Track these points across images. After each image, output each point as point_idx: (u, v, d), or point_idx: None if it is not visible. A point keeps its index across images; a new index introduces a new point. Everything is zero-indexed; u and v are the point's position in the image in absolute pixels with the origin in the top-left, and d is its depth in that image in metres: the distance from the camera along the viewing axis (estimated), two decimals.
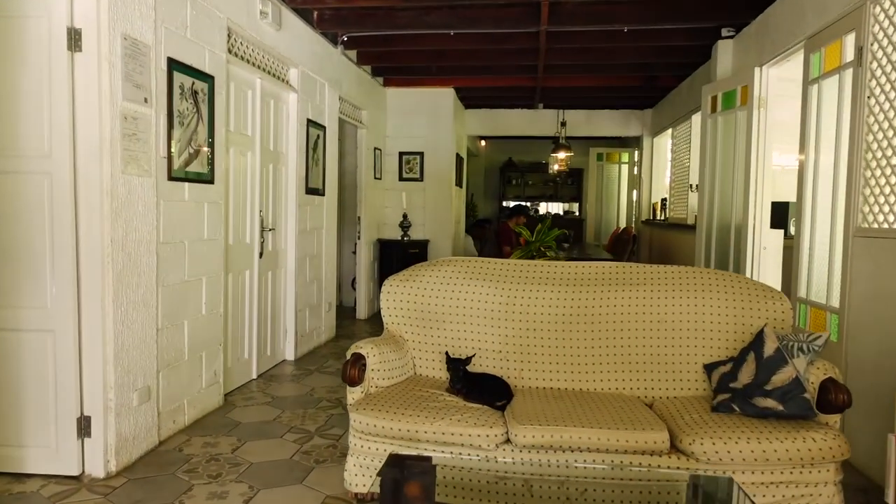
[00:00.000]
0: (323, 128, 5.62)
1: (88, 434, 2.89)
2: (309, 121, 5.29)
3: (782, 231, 4.88)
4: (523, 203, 10.78)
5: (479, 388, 2.91)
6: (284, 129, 5.00)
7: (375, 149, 7.42)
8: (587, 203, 12.20)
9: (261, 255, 4.60)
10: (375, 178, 7.48)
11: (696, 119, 6.80)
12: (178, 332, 3.47)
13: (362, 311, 7.24)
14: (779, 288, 4.80)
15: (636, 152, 10.17)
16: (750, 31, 4.92)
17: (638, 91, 7.91)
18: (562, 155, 7.26)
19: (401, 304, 3.32)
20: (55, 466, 2.88)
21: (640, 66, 6.66)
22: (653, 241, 8.64)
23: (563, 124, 7.32)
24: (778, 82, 4.66)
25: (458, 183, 8.77)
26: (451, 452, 2.60)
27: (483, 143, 12.58)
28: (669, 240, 7.57)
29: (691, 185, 6.75)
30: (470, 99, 8.58)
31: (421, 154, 7.90)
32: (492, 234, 7.83)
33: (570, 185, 12.66)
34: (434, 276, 3.37)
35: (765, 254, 4.74)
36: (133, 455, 3.06)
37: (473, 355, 3.04)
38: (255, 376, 4.61)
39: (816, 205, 3.78)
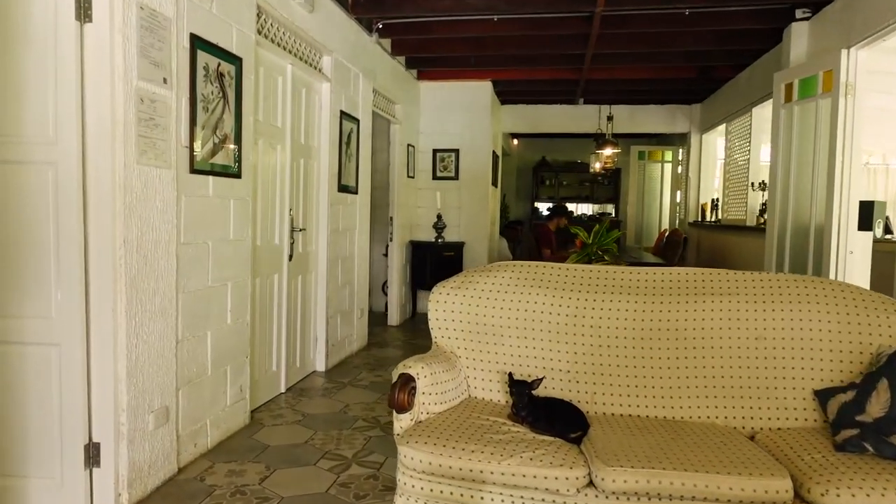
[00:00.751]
0: (356, 121, 5.23)
1: (97, 463, 2.51)
2: (342, 113, 4.90)
3: (871, 233, 4.37)
4: (564, 204, 10.32)
5: (548, 415, 2.47)
6: (316, 122, 4.62)
7: (409, 146, 7.02)
8: (627, 204, 11.67)
9: (290, 257, 4.22)
10: (408, 176, 7.08)
11: (757, 112, 6.29)
12: (201, 344, 3.09)
13: (394, 318, 6.84)
14: None
15: (680, 150, 9.64)
16: (833, 8, 4.41)
17: (689, 84, 7.40)
18: (608, 151, 6.79)
19: (452, 314, 2.90)
20: (59, 500, 2.50)
21: (696, 54, 6.16)
22: (701, 244, 8.10)
23: (610, 118, 6.85)
24: (866, 66, 4.14)
25: (494, 182, 8.33)
26: (522, 497, 2.17)
27: (516, 141, 12.12)
28: (722, 243, 7.05)
29: (752, 184, 6.23)
30: (506, 94, 8.14)
31: (456, 151, 7.48)
32: (528, 236, 7.37)
33: (607, 185, 12.14)
34: (490, 284, 2.94)
35: (851, 258, 4.22)
36: (149, 486, 2.68)
37: (542, 378, 2.60)
38: (283, 390, 4.23)
39: None
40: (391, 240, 6.75)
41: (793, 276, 2.81)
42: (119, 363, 2.50)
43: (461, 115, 7.44)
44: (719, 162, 8.68)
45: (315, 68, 4.46)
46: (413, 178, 7.29)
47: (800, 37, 4.86)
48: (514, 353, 2.82)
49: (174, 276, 2.81)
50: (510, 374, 2.59)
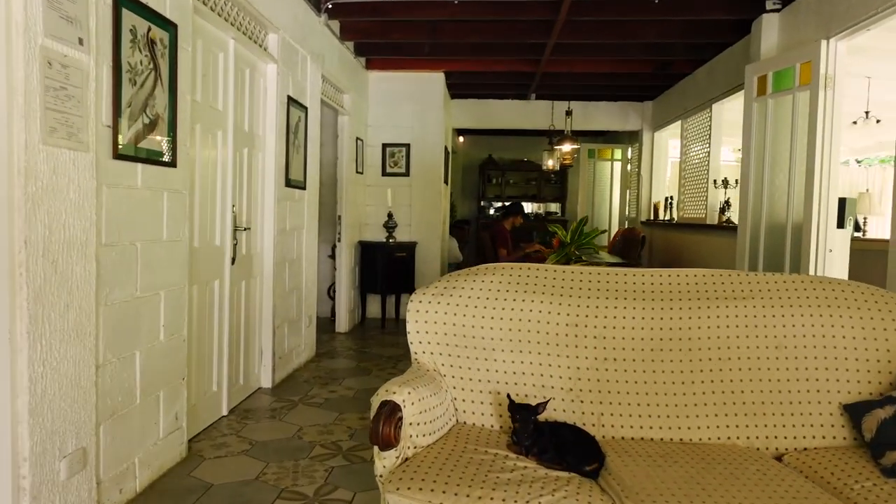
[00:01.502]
0: (305, 109, 4.73)
1: None
2: (290, 99, 4.39)
3: (848, 231, 4.24)
4: (519, 202, 10.02)
5: (557, 445, 2.10)
6: (261, 107, 4.10)
7: (357, 139, 6.54)
8: (576, 203, 11.55)
9: (233, 260, 3.69)
10: (357, 172, 6.60)
11: (717, 108, 6.17)
12: (127, 368, 2.55)
13: (342, 324, 6.35)
14: None
15: (630, 149, 9.55)
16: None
17: (645, 80, 7.25)
18: (567, 147, 6.54)
19: (435, 326, 2.49)
20: None
21: (658, 47, 5.97)
22: (654, 243, 7.99)
23: (569, 113, 6.61)
24: (846, 58, 4.01)
25: (446, 180, 7.96)
26: None
27: (461, 138, 11.79)
28: (679, 241, 6.92)
29: (715, 181, 6.10)
30: (457, 87, 7.78)
31: (407, 146, 7.05)
32: (482, 236, 7.04)
33: (554, 184, 11.99)
34: (476, 290, 2.55)
35: (830, 257, 4.08)
36: None
37: (548, 400, 2.23)
38: (225, 412, 3.69)
39: None
40: (339, 240, 6.26)
41: (810, 278, 2.56)
42: (19, 400, 1.95)
43: (412, 107, 7.02)
44: (671, 160, 8.63)
45: (260, 46, 3.94)
46: (362, 173, 6.81)
47: (770, 28, 4.71)
48: (506, 370, 2.44)
49: (93, 286, 2.27)
50: (510, 398, 2.21)
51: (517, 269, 2.63)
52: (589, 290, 2.56)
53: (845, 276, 4.13)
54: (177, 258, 2.90)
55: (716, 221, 6.17)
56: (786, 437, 2.31)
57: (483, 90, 8.07)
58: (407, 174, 7.07)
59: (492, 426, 2.38)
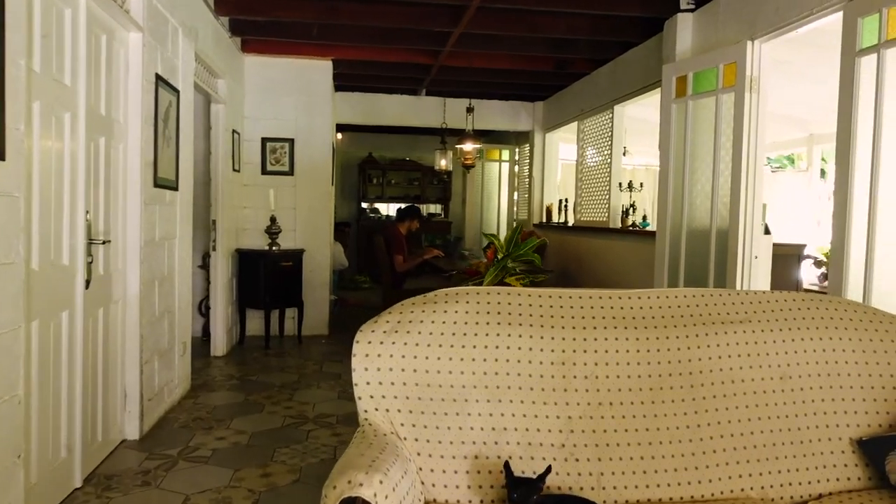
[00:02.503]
0: (176, 92, 3.88)
1: None
2: (159, 79, 3.55)
3: (771, 236, 4.19)
4: (416, 204, 9.52)
5: None
6: (123, 86, 3.24)
7: (234, 132, 5.68)
8: (459, 204, 11.26)
9: (87, 283, 2.83)
10: (234, 170, 5.74)
11: (619, 110, 6.06)
12: None
13: (219, 346, 5.47)
14: None
15: (517, 150, 9.40)
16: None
17: (540, 79, 7.04)
18: (469, 146, 6.13)
19: (390, 375, 1.91)
20: None
21: (563, 43, 5.73)
22: (549, 247, 7.84)
23: (470, 110, 6.21)
24: (771, 59, 3.93)
25: (332, 179, 7.25)
26: None
27: (340, 135, 11.05)
28: (578, 246, 6.78)
29: (620, 185, 5.99)
30: (342, 78, 7.09)
31: (290, 142, 6.28)
32: (379, 242, 6.46)
33: (437, 185, 11.63)
34: (439, 323, 2.00)
35: (756, 263, 3.99)
36: None
37: (548, 471, 1.73)
38: (79, 483, 2.81)
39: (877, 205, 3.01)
40: (214, 248, 5.38)
41: (802, 296, 2.29)
42: None
43: (297, 98, 6.26)
44: (561, 162, 8.55)
45: (120, 7, 3.08)
46: (239, 171, 5.95)
47: (685, 29, 4.60)
48: (483, 426, 1.92)
49: None
50: (508, 469, 1.68)
51: (485, 294, 2.11)
52: (573, 318, 2.11)
53: (768, 283, 4.06)
54: (7, 288, 2.06)
55: (619, 225, 6.07)
56: (800, 483, 2.01)
57: (371, 83, 7.46)
58: (291, 173, 6.30)
59: (469, 501, 1.85)
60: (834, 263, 3.22)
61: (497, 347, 1.98)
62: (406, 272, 6.46)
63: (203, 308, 5.98)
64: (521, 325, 2.04)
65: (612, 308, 2.15)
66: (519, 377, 1.97)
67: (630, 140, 6.32)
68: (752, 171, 3.94)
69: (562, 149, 8.33)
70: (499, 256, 3.23)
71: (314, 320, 6.33)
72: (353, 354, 1.93)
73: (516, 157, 9.40)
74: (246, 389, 4.45)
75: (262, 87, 6.17)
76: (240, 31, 5.51)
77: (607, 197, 6.18)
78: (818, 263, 5.86)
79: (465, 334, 1.99)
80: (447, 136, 7.98)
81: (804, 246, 5.03)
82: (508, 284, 3.16)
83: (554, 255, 7.62)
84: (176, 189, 3.95)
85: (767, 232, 4.78)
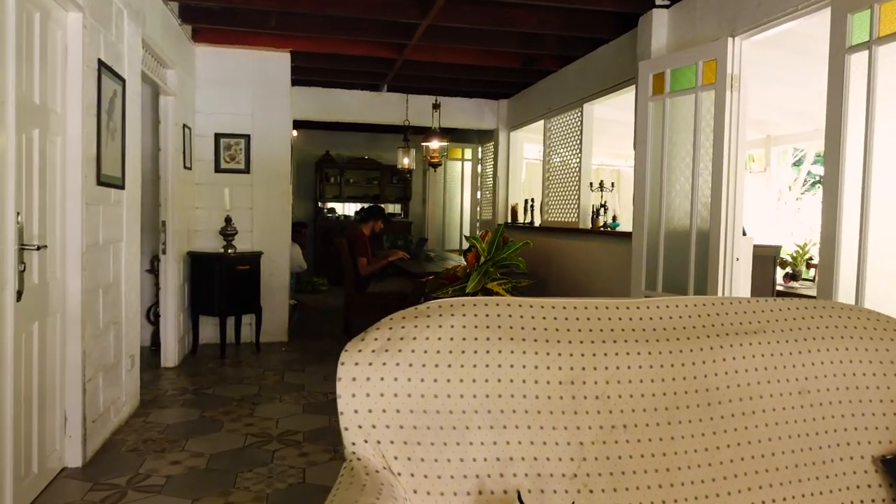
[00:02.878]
0: (122, 81, 3.52)
1: None
2: (102, 65, 3.20)
3: (751, 238, 4.11)
4: (379, 204, 9.19)
5: None
6: (60, 72, 2.88)
7: (185, 126, 5.31)
8: (419, 204, 11.02)
9: (19, 294, 2.48)
10: (185, 167, 5.36)
11: (589, 109, 5.94)
12: None
13: (170, 356, 5.09)
14: None
15: (480, 148, 9.23)
16: None
17: (506, 75, 6.86)
18: (435, 144, 5.89)
19: (381, 401, 1.66)
20: None
21: (533, 38, 5.57)
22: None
23: (437, 107, 5.97)
24: (751, 57, 3.84)
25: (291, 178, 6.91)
26: None
27: (295, 132, 10.65)
28: (545, 247, 6.64)
29: (591, 185, 5.86)
30: (300, 72, 6.74)
31: (246, 138, 5.93)
32: (342, 244, 6.17)
33: (397, 184, 11.35)
34: (435, 340, 1.76)
35: (737, 266, 3.90)
36: None
37: None
38: None
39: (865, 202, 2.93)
40: (164, 252, 5.00)
41: (814, 303, 2.15)
42: None
43: (253, 92, 5.92)
44: (525, 161, 8.42)
45: None
46: (190, 169, 5.57)
47: (660, 25, 4.48)
48: (486, 456, 1.69)
49: None
50: (520, 499, 1.47)
51: (482, 306, 1.89)
52: (579, 331, 1.90)
53: (749, 286, 3.98)
54: None
55: (590, 226, 5.95)
56: None
57: (331, 77, 7.14)
58: (247, 171, 5.94)
59: None
60: (823, 267, 3.13)
61: (500, 366, 1.77)
62: (370, 275, 6.20)
63: (152, 315, 5.57)
64: (524, 340, 1.83)
65: (619, 319, 1.95)
66: (525, 399, 1.76)
67: (602, 141, 6.22)
68: (734, 172, 3.85)
69: (525, 148, 8.19)
70: (481, 260, 3.02)
71: (273, 326, 6.00)
72: (337, 378, 1.67)
73: (479, 156, 9.23)
74: (201, 404, 4.11)
75: (215, 79, 5.80)
76: (191, 17, 5.13)
77: (577, 197, 6.05)
78: (782, 264, 5.87)
79: (463, 352, 1.76)
80: (410, 134, 7.74)
81: (780, 248, 5.00)
82: (491, 291, 2.95)
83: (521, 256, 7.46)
84: (122, 187, 3.59)
85: (743, 233, 4.71)
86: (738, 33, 3.77)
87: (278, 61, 5.94)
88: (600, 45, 5.53)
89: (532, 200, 7.38)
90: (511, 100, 7.91)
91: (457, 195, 9.67)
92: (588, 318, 1.92)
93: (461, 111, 7.89)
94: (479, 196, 9.18)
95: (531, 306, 1.93)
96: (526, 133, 7.91)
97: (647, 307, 2.00)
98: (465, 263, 3.16)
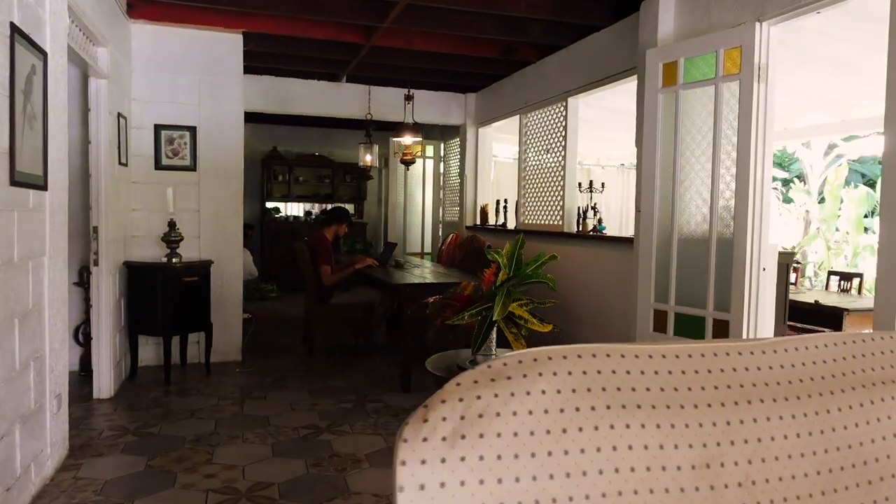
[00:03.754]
0: (43, 54, 2.81)
1: None
2: (15, 31, 2.49)
3: (777, 245, 3.75)
4: (343, 206, 8.45)
5: None
6: None
7: (119, 116, 4.55)
8: (380, 205, 10.43)
9: None
10: (120, 163, 4.60)
11: (574, 104, 5.51)
12: None
13: (104, 385, 4.33)
14: (772, 330, 3.66)
15: (442, 145, 8.70)
16: None
17: (479, 66, 6.36)
18: (408, 140, 5.30)
19: None
20: None
21: (517, 24, 5.08)
22: (475, 251, 7.20)
23: (410, 98, 5.38)
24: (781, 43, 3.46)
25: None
26: None
27: None
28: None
29: (580, 185, 5.43)
30: (251, 58, 6.03)
31: (192, 130, 5.19)
32: (302, 250, 5.52)
33: (349, 182, 10.68)
34: (525, 417, 1.19)
35: (763, 277, 3.52)
36: None
37: None
38: None
39: None
40: (96, 262, 4.24)
41: None
42: None
43: (199, 78, 5.19)
44: (494, 160, 7.95)
45: None
46: (126, 166, 4.81)
47: (667, 10, 4.07)
48: None
49: None
50: None
51: (576, 359, 1.34)
52: (704, 388, 1.41)
53: (773, 300, 3.61)
54: None
55: (575, 230, 5.53)
56: None
57: (285, 64, 6.45)
58: (193, 168, 5.21)
59: None
60: (884, 282, 2.76)
61: (615, 449, 1.23)
62: (334, 285, 5.58)
63: (80, 336, 4.79)
64: (639, 407, 1.30)
65: (756, 370, 1.46)
66: (651, 495, 1.25)
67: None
68: (760, 172, 3.47)
69: (493, 146, 7.72)
70: (500, 279, 2.49)
71: (225, 345, 5.30)
72: (398, 488, 1.11)
73: (442, 154, 8.70)
74: (147, 449, 3.41)
75: (154, 62, 5.04)
76: None
77: (561, 198, 5.61)
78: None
79: (564, 431, 1.21)
80: (372, 129, 7.14)
81: (794, 254, 4.69)
82: (514, 315, 2.44)
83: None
84: (44, 188, 2.87)
85: None
86: (766, 18, 3.39)
87: (229, 43, 5.23)
88: (590, 34, 5.10)
89: (505, 201, 6.91)
90: (480, 94, 7.42)
91: (418, 195, 9.11)
92: (718, 370, 1.43)
93: (426, 105, 7.33)
94: (442, 196, 8.65)
95: (637, 356, 1.42)
96: (495, 132, 7.45)
97: (784, 350, 1.51)
98: (460, 280, 2.64)
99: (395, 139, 5.48)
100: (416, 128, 5.39)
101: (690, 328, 3.75)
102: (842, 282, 5.64)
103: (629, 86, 4.69)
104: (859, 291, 5.71)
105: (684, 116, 3.82)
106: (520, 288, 2.63)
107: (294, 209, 10.70)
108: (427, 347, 5.15)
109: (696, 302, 3.72)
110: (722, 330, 3.58)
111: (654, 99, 3.96)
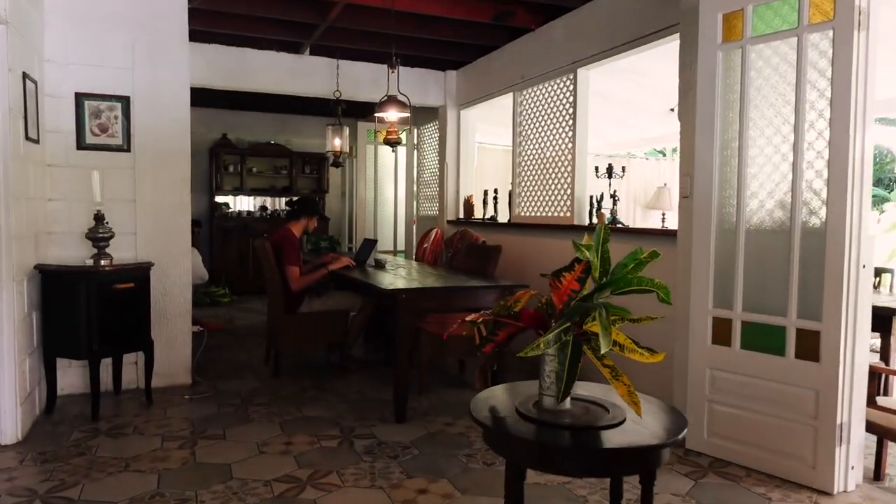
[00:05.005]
0: None
1: None
2: None
3: (873, 234, 3.05)
4: (313, 196, 7.52)
5: None
6: None
7: (26, 78, 3.53)
8: (344, 198, 9.48)
9: None
10: (29, 139, 3.58)
11: (584, 75, 4.75)
12: None
13: (8, 428, 3.31)
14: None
15: (415, 131, 7.84)
16: None
17: (469, 34, 5.54)
18: (393, 115, 4.38)
19: None
20: None
21: None
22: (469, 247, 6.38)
23: (395, 64, 4.44)
24: None
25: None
26: None
27: None
28: (521, 249, 5.40)
29: (596, 169, 4.68)
30: (198, 19, 5.03)
31: (125, 101, 4.19)
32: (265, 249, 4.60)
33: (309, 174, 9.68)
34: None
35: (863, 275, 2.82)
36: None
37: None
38: None
39: None
40: None
41: None
42: None
43: (133, 36, 4.19)
44: (477, 145, 7.14)
45: None
46: (38, 143, 3.78)
47: None
48: None
49: None
50: None
51: None
52: None
53: (869, 305, 2.91)
54: None
55: (588, 222, 4.78)
56: None
57: (238, 28, 5.46)
58: (126, 148, 4.21)
59: None
60: None
61: None
62: (304, 290, 4.67)
63: None
64: None
65: None
66: None
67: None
68: (860, 143, 2.76)
69: (481, 130, 6.92)
70: (585, 286, 1.68)
71: (171, 365, 4.32)
72: None
73: (416, 141, 7.84)
74: None
75: (74, 13, 4.02)
76: None
77: (570, 186, 4.85)
78: None
79: None
80: (342, 110, 6.23)
81: None
82: (619, 345, 1.63)
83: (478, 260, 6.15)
84: None
85: None
86: None
87: None
88: None
89: (496, 192, 6.11)
90: (462, 71, 6.59)
91: (388, 188, 8.22)
92: None
93: (401, 83, 6.45)
94: (416, 189, 7.78)
95: None
96: (480, 110, 6.65)
97: None
98: (526, 289, 1.85)
99: (378, 114, 4.57)
100: (403, 103, 4.51)
101: (765, 340, 3.03)
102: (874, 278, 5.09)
103: (652, 52, 3.98)
104: (890, 290, 5.15)
105: (752, 79, 3.09)
106: (615, 299, 1.82)
107: (247, 204, 9.64)
108: (420, 361, 4.32)
109: (772, 308, 3.00)
110: (810, 343, 2.87)
111: (710, 58, 3.21)
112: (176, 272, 4.39)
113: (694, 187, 3.32)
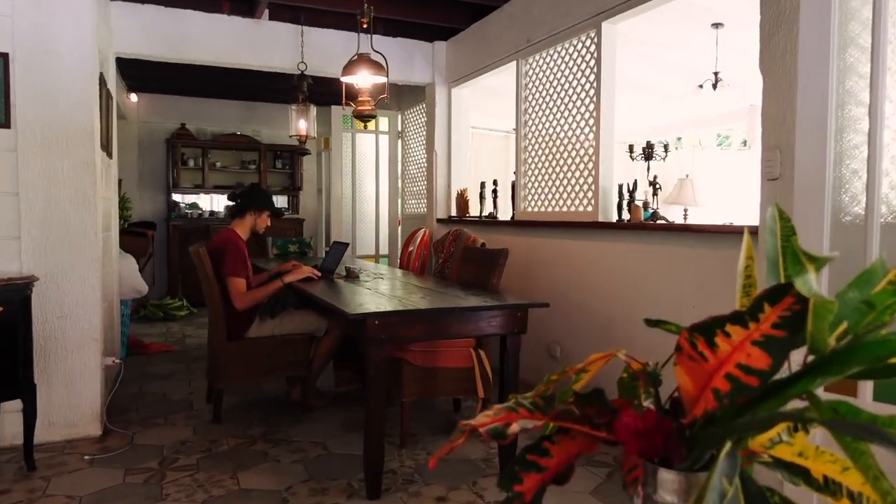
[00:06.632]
0: None
1: None
2: None
3: None
4: (260, 186, 6.43)
5: None
6: None
7: None
8: (320, 195, 8.44)
9: None
10: None
11: (611, 28, 3.73)
12: None
13: None
14: None
15: (399, 117, 6.80)
16: None
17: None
18: (365, 80, 3.29)
19: None
20: None
21: None
22: (466, 252, 5.34)
23: (369, 9, 3.39)
24: None
25: (107, 147, 4.12)
26: None
27: (134, 97, 7.64)
28: (528, 251, 4.38)
29: (631, 147, 3.63)
30: None
31: (3, 58, 3.12)
32: (201, 257, 3.54)
33: (281, 169, 8.61)
34: None
35: None
36: None
37: None
38: None
39: None
40: None
41: None
42: None
43: None
44: (472, 130, 6.10)
45: None
46: None
47: None
48: None
49: None
50: None
51: None
52: None
53: None
54: None
55: (618, 218, 3.75)
56: None
57: None
58: (5, 123, 3.13)
59: None
60: None
61: None
62: (253, 308, 3.61)
63: None
64: None
65: None
66: None
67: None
68: None
69: (476, 111, 5.89)
70: (805, 357, 0.67)
71: (70, 412, 3.25)
72: None
73: (400, 128, 6.79)
74: None
75: None
76: None
77: (593, 174, 3.82)
78: None
79: None
80: (307, 86, 5.16)
81: None
82: (831, 481, 0.57)
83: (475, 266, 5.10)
84: None
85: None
86: None
87: None
88: None
89: (495, 184, 5.08)
90: (454, 41, 5.55)
91: (369, 182, 7.17)
92: None
93: (382, 57, 5.40)
94: (401, 184, 6.73)
95: None
96: (474, 89, 5.63)
97: None
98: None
99: (345, 78, 3.51)
100: (378, 64, 3.45)
101: None
102: None
103: None
104: None
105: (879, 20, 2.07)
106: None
107: (211, 202, 8.54)
108: (402, 402, 3.29)
109: None
110: None
111: None
112: (79, 288, 3.31)
113: (795, 164, 2.30)
